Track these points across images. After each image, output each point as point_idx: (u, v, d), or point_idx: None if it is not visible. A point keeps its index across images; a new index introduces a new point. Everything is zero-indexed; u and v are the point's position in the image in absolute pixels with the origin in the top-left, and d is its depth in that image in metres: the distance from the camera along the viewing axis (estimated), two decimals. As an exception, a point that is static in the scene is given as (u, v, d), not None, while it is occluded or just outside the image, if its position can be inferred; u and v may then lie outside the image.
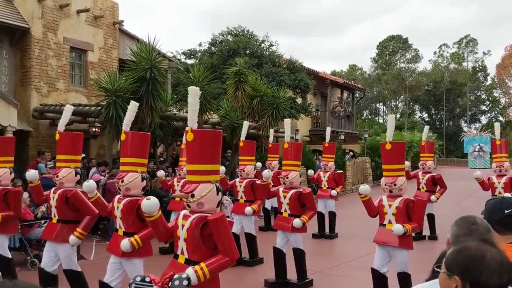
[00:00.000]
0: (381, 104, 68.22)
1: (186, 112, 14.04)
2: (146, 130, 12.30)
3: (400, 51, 61.47)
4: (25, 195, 8.52)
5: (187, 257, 4.02)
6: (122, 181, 5.35)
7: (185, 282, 3.44)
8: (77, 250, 8.59)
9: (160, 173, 10.42)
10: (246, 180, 8.98)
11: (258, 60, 22.19)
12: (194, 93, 4.25)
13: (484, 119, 58.97)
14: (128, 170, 5.41)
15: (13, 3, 13.79)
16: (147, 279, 3.35)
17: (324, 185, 11.86)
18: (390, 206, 6.20)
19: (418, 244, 10.31)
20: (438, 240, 10.83)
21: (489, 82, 62.12)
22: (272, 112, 16.36)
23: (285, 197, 7.46)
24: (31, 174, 6.36)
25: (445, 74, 59.81)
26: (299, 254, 7.48)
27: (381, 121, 64.44)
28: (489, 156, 42.15)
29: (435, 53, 63.62)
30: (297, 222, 7.18)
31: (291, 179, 7.48)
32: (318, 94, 27.98)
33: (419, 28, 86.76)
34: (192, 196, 4.04)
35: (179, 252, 4.12)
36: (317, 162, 18.19)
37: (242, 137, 9.19)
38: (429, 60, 63.82)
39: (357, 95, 35.48)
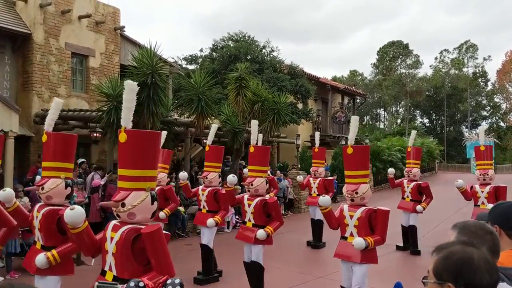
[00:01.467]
0: (382, 109, 68.22)
1: (187, 117, 14.15)
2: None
3: (400, 56, 61.54)
4: (26, 199, 8.52)
5: (115, 274, 3.60)
6: (43, 188, 4.78)
7: None
8: (78, 255, 8.58)
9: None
10: (209, 189, 8.14)
11: (259, 66, 22.23)
12: (130, 88, 3.78)
13: (485, 125, 58.92)
14: (50, 176, 4.83)
15: (15, 9, 13.85)
16: (141, 284, 3.24)
17: (314, 192, 11.26)
18: (351, 217, 5.60)
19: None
20: (422, 256, 10.06)
21: (489, 87, 62.17)
22: (273, 117, 16.36)
23: (249, 205, 6.84)
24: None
25: (445, 80, 59.83)
26: (257, 270, 6.81)
27: (382, 126, 64.44)
28: (493, 161, 41.88)
29: (435, 58, 63.70)
30: (261, 233, 6.54)
31: (256, 186, 6.84)
32: (319, 100, 28.00)
33: (419, 34, 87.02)
34: (123, 205, 3.61)
35: (106, 268, 3.69)
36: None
37: (209, 142, 8.38)
38: (430, 66, 63.93)
39: (358, 100, 35.50)
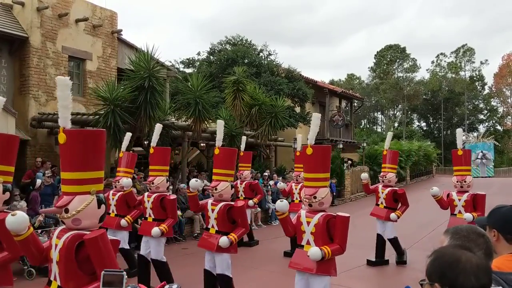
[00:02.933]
0: (379, 113, 68.32)
1: (185, 121, 14.12)
2: (144, 138, 12.31)
3: (398, 60, 61.69)
4: (23, 204, 8.48)
5: (59, 284, 3.37)
6: None
7: None
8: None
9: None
10: (155, 195, 7.33)
11: (257, 69, 22.27)
12: (63, 85, 3.50)
13: (482, 128, 59.07)
14: None
15: (12, 12, 13.83)
16: None
17: (297, 198, 10.51)
18: (308, 223, 5.09)
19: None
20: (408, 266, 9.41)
21: (486, 91, 62.35)
22: (271, 120, 16.41)
23: (213, 210, 6.31)
24: None
25: (442, 83, 60.00)
26: (226, 283, 6.24)
27: (379, 130, 64.53)
28: (493, 164, 41.72)
29: (432, 62, 63.87)
30: (223, 240, 6.01)
31: (221, 191, 6.34)
32: (316, 103, 28.04)
33: (415, 38, 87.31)
34: (66, 210, 3.37)
35: (52, 278, 3.45)
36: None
37: (153, 143, 7.55)
38: (427, 69, 64.11)
39: (355, 104, 35.55)
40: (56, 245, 3.41)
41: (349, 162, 22.98)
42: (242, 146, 10.98)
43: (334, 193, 18.67)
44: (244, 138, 11.22)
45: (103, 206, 3.50)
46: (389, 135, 10.19)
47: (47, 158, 12.92)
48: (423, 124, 64.79)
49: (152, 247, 7.25)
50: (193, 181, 6.54)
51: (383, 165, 9.92)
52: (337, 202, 19.52)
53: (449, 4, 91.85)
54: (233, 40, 25.71)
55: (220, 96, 17.58)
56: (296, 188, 10.59)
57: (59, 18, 14.11)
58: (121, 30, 16.03)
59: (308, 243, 5.08)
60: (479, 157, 40.38)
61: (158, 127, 7.64)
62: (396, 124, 64.25)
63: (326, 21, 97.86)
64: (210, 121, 14.97)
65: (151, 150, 7.48)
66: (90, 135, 3.57)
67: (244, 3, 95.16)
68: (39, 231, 8.44)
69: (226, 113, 15.58)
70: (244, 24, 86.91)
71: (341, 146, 25.51)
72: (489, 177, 38.66)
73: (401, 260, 9.57)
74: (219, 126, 6.80)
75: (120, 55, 16.12)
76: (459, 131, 8.69)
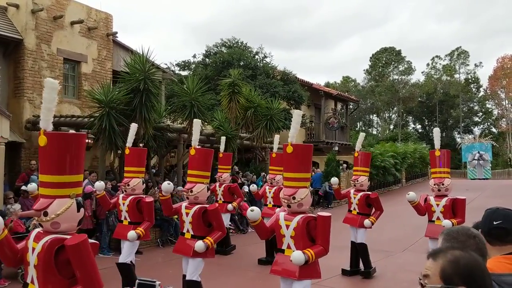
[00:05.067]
0: (374, 115, 68.46)
1: (180, 123, 14.10)
2: (139, 141, 12.28)
3: (393, 63, 61.89)
4: (17, 206, 8.43)
5: None
6: None
7: None
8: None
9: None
10: (131, 197, 7.11)
11: (252, 72, 22.29)
12: (50, 87, 3.51)
13: (477, 130, 59.25)
14: None
15: (7, 15, 13.78)
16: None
17: (270, 202, 10.13)
18: (287, 226, 4.86)
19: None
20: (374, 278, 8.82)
21: (481, 93, 62.59)
22: (266, 123, 16.39)
23: (187, 214, 6.12)
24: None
25: (438, 86, 60.20)
26: None
27: (375, 132, 64.63)
28: (490, 165, 41.46)
29: (427, 65, 64.09)
30: (199, 245, 5.82)
31: (196, 193, 6.16)
32: (312, 106, 28.06)
33: (409, 41, 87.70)
34: (45, 214, 3.36)
35: (29, 281, 3.44)
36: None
37: (128, 144, 7.38)
38: (422, 72, 64.28)
39: (350, 106, 35.60)
40: (33, 249, 3.37)
41: (344, 165, 23.00)
42: (222, 147, 10.77)
43: (332, 195, 18.73)
44: (223, 138, 10.92)
45: (82, 210, 3.51)
46: (361, 135, 9.50)
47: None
48: (419, 126, 64.96)
49: (124, 250, 7.02)
50: (165, 184, 6.38)
51: (354, 168, 9.27)
52: (333, 204, 19.54)
53: (441, 9, 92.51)
54: (229, 43, 25.73)
55: (215, 99, 17.58)
56: (269, 192, 10.16)
57: (54, 20, 14.07)
58: (116, 33, 16.00)
59: (288, 247, 4.88)
60: (475, 158, 39.75)
61: (134, 127, 7.45)
62: (391, 127, 64.39)
63: (320, 24, 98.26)
64: (206, 123, 14.95)
65: (127, 151, 7.28)
66: (71, 138, 3.53)
67: (239, 6, 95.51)
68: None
69: (221, 115, 15.58)
70: (239, 27, 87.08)
71: (336, 148, 25.55)
72: (486, 179, 38.53)
73: (366, 272, 8.78)
74: (195, 126, 6.60)
75: (115, 57, 16.09)
76: (436, 130, 8.12)
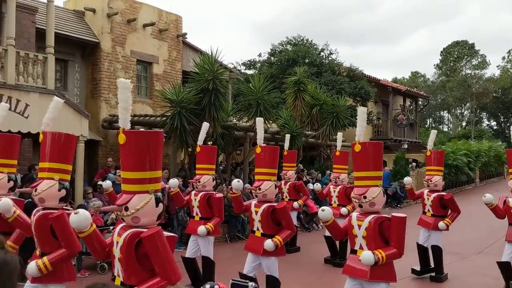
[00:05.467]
0: (445, 112, 65.70)
1: (246, 121, 14.29)
2: (208, 139, 12.60)
3: (465, 57, 59.04)
4: (99, 203, 8.93)
5: (122, 280, 3.48)
6: (36, 190, 4.58)
7: None
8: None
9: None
10: (201, 193, 7.37)
11: (318, 69, 22.15)
12: (124, 87, 3.58)
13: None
14: (45, 177, 4.62)
15: (84, 19, 14.60)
16: (216, 287, 3.22)
17: (335, 202, 9.97)
18: (359, 226, 4.84)
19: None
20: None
21: None
22: (332, 120, 16.27)
23: (256, 212, 6.24)
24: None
25: (514, 80, 56.78)
26: (273, 285, 6.16)
27: (446, 129, 62.08)
28: None
29: (503, 58, 60.50)
30: (268, 244, 5.92)
31: (264, 191, 6.21)
32: (379, 102, 27.45)
33: (480, 33, 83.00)
34: (126, 208, 3.49)
35: (116, 274, 3.61)
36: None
37: (199, 142, 7.55)
38: (497, 66, 60.82)
39: (420, 102, 34.44)
40: (117, 243, 3.55)
41: (414, 163, 22.30)
42: (286, 145, 10.74)
43: (403, 195, 18.26)
44: (287, 136, 10.91)
45: (160, 205, 3.60)
46: (433, 133, 9.01)
47: (118, 158, 13.52)
48: (494, 123, 61.67)
49: (201, 246, 7.28)
50: (235, 182, 6.46)
51: (427, 167, 8.91)
52: (403, 204, 19.02)
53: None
54: (294, 40, 25.71)
55: (280, 97, 17.65)
56: (334, 191, 10.00)
57: (128, 23, 14.74)
58: (185, 34, 16.48)
59: (361, 247, 4.79)
60: None
61: (205, 126, 7.63)
62: (463, 123, 61.53)
63: (386, 19, 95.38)
64: (271, 121, 15.07)
65: (198, 149, 7.46)
66: (149, 135, 3.64)
67: (302, 5, 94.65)
68: (111, 227, 8.85)
69: (286, 113, 15.62)
70: (303, 25, 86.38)
71: (405, 146, 24.80)
72: None
73: (437, 277, 8.50)
74: (259, 124, 6.64)
75: (184, 58, 16.59)
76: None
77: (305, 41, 25.66)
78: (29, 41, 11.89)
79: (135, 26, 14.99)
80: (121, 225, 3.70)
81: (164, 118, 12.07)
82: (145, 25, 15.17)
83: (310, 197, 13.38)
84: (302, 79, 15.85)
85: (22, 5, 11.45)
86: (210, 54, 12.12)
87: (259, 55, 27.12)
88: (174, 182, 7.67)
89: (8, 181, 5.60)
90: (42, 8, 12.20)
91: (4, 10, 10.87)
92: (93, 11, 14.39)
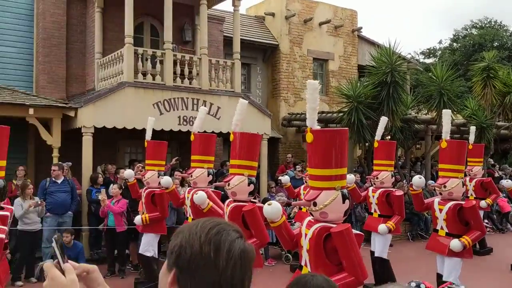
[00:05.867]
0: None
1: (426, 113, 13.58)
2: (386, 133, 12.34)
3: None
4: (285, 198, 9.45)
5: (309, 271, 3.64)
6: (229, 184, 5.04)
7: None
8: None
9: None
10: (380, 190, 7.19)
11: (509, 53, 19.92)
12: (313, 88, 3.72)
13: None
14: (236, 173, 5.09)
15: (264, 23, 15.51)
16: (422, 286, 3.11)
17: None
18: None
19: None
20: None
21: None
22: (530, 109, 14.46)
23: (440, 210, 6.04)
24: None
25: None
26: None
27: None
28: None
29: None
30: (455, 244, 5.76)
31: (450, 189, 5.93)
32: None
33: None
34: (314, 204, 3.66)
35: (303, 263, 3.81)
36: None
37: (377, 137, 7.34)
38: None
39: None
40: (305, 234, 3.73)
41: None
42: (471, 138, 9.88)
43: None
44: (473, 128, 9.97)
45: (347, 201, 3.71)
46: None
47: (296, 154, 14.11)
48: None
49: (377, 244, 7.16)
50: (416, 178, 6.38)
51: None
52: None
53: None
54: (480, 23, 23.52)
55: (465, 85, 16.32)
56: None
57: (304, 23, 15.21)
58: (361, 28, 16.34)
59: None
60: None
61: (384, 120, 7.35)
62: None
63: None
64: (455, 112, 14.03)
65: (375, 144, 7.35)
66: (335, 134, 3.76)
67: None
68: (293, 221, 9.29)
69: (474, 103, 14.38)
70: (488, 4, 78.12)
71: None
72: None
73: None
74: (445, 117, 6.32)
75: (360, 52, 16.46)
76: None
77: (492, 22, 23.29)
78: (218, 48, 13.13)
79: (311, 25, 15.38)
80: (308, 218, 3.89)
81: (341, 114, 12.16)
82: (321, 23, 15.46)
83: (504, 194, 12.14)
84: (492, 65, 14.41)
85: (212, 16, 12.67)
86: (387, 46, 11.83)
87: (440, 42, 25.58)
88: (351, 178, 7.41)
89: (208, 175, 6.30)
90: (228, 17, 13.33)
91: (197, 22, 12.20)
92: (273, 15, 15.19)
